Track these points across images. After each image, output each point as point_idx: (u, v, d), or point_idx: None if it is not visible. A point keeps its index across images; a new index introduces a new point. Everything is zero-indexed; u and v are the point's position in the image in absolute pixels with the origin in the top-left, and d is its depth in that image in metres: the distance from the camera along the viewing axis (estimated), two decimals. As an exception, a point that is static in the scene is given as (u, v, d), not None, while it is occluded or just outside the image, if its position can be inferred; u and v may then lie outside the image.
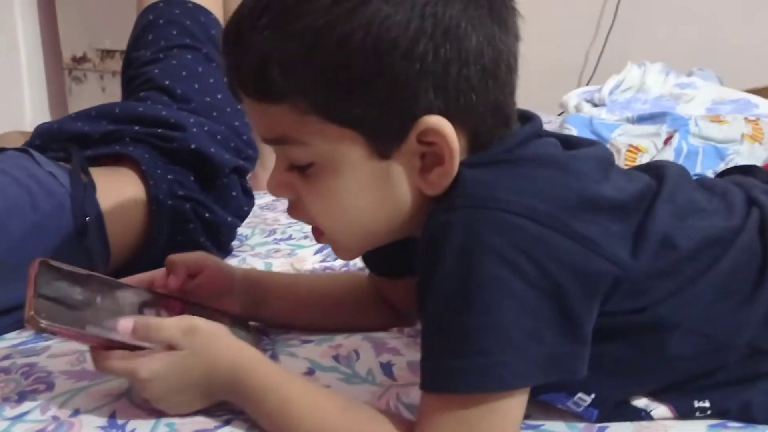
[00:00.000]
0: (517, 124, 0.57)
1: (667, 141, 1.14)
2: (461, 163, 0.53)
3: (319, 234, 0.60)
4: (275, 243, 1.06)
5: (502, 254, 0.48)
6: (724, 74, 1.63)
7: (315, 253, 0.99)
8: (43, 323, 0.54)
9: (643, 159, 1.14)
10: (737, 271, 0.56)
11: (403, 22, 0.49)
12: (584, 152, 0.57)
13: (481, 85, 0.52)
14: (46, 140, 0.95)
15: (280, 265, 0.97)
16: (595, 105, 1.43)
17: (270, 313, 0.74)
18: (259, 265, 0.97)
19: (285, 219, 1.19)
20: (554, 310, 0.49)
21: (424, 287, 0.52)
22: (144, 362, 0.57)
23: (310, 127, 0.52)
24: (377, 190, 0.54)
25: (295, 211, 0.59)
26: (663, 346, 0.55)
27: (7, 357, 0.72)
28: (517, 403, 0.51)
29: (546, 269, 0.49)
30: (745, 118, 1.20)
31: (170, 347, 0.57)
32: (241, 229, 1.08)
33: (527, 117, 0.60)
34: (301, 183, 0.56)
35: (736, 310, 0.56)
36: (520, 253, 0.49)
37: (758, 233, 0.57)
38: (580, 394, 0.56)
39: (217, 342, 0.58)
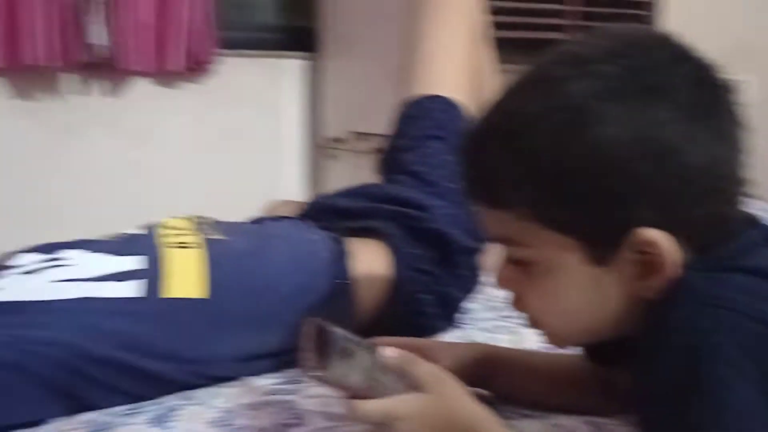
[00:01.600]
0: (742, 229, 0.59)
1: None
2: (685, 267, 0.55)
3: (533, 323, 0.65)
4: (499, 320, 1.12)
5: (727, 354, 0.50)
6: None
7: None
8: (318, 374, 0.65)
9: None
10: None
11: (625, 144, 0.54)
12: None
13: (700, 200, 0.55)
14: (315, 211, 1.12)
15: (501, 341, 1.02)
16: None
17: (499, 385, 0.80)
18: (481, 338, 1.04)
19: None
20: None
21: (644, 385, 0.54)
22: (398, 403, 0.65)
23: (532, 232, 0.58)
24: (594, 293, 0.59)
25: (518, 304, 0.66)
26: None
27: (271, 392, 0.85)
28: None
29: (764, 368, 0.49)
30: None
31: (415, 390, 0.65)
32: (468, 304, 1.16)
33: (752, 221, 0.61)
34: (523, 279, 0.62)
35: None
36: (744, 353, 0.50)
37: None
38: None
39: (461, 396, 0.65)
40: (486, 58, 1.35)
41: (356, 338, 0.74)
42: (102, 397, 0.79)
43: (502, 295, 1.23)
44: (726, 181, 0.56)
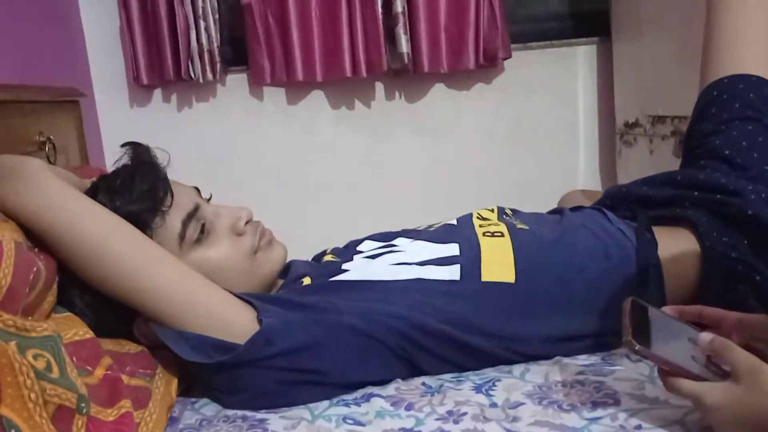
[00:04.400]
0: None
1: None
2: None
3: None
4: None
5: None
6: None
7: None
8: (637, 347, 0.70)
9: None
10: None
11: None
12: None
13: None
14: (616, 201, 1.14)
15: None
16: None
17: None
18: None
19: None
20: None
21: None
22: (709, 391, 0.67)
23: None
24: None
25: None
26: None
27: (581, 373, 0.90)
28: None
29: None
30: None
31: (730, 379, 0.66)
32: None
33: None
34: None
35: None
36: None
37: None
38: None
39: None
40: None
41: (675, 318, 0.77)
42: (433, 364, 0.92)
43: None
44: None
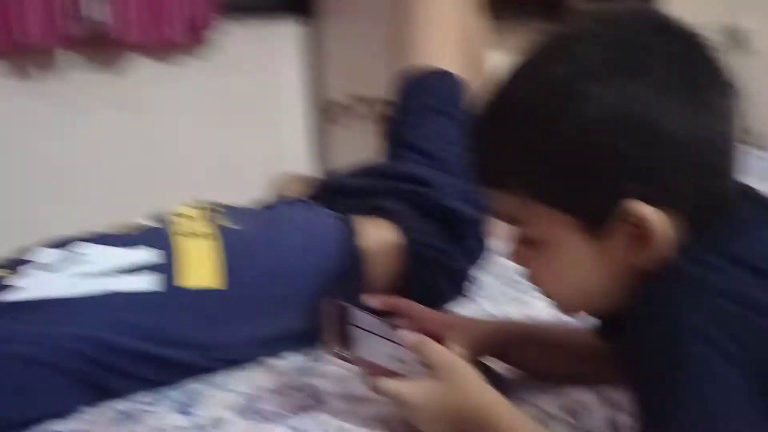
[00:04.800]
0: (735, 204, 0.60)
1: None
2: (679, 251, 0.57)
3: (546, 294, 0.68)
4: (514, 291, 1.14)
5: (706, 332, 0.52)
6: None
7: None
8: (337, 350, 0.68)
9: None
10: None
11: (605, 121, 0.56)
12: None
13: (684, 172, 0.57)
14: (326, 191, 1.13)
15: (512, 311, 1.05)
16: None
17: (515, 359, 0.82)
18: (492, 309, 1.06)
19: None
20: (756, 390, 0.51)
21: (630, 359, 0.57)
22: (410, 389, 0.68)
23: (534, 212, 0.61)
24: (594, 266, 0.61)
25: (531, 279, 0.68)
26: None
27: (287, 374, 0.88)
28: None
29: (750, 350, 0.51)
30: None
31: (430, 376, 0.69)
32: (480, 275, 1.18)
33: (747, 194, 0.62)
34: (533, 256, 0.65)
35: None
36: (725, 334, 0.52)
37: None
38: None
39: (472, 383, 0.68)
40: (477, 24, 1.34)
41: (376, 318, 0.77)
42: (126, 385, 0.82)
43: (512, 265, 1.26)
44: (713, 153, 0.58)
